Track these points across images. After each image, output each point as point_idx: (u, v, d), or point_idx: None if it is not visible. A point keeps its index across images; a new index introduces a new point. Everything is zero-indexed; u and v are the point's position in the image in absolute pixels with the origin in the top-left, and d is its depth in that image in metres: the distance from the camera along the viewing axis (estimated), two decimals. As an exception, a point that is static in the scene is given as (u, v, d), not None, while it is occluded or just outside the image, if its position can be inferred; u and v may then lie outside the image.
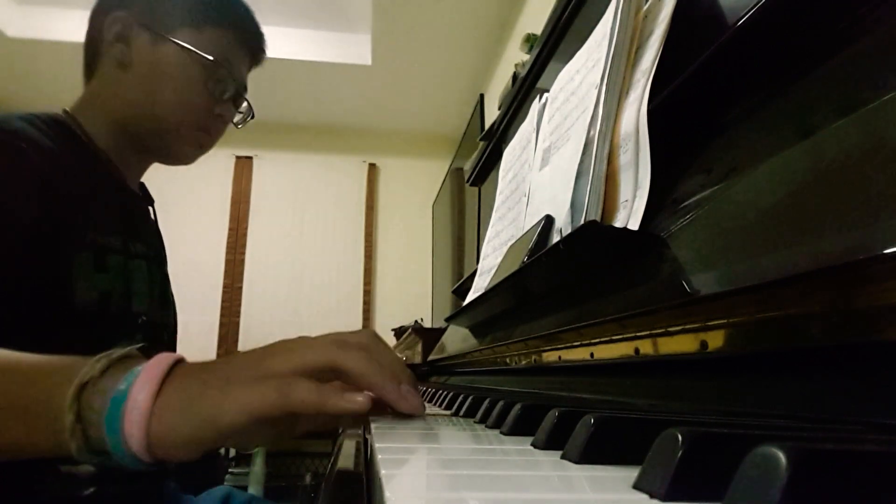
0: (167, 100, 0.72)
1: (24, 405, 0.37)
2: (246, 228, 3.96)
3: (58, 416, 0.35)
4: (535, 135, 0.88)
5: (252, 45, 0.79)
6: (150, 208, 0.83)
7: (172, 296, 0.82)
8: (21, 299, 0.55)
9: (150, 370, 0.36)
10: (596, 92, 0.59)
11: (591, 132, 0.58)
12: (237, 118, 0.81)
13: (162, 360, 0.37)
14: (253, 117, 0.83)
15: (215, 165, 3.89)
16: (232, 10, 0.77)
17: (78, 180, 0.64)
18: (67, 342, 0.43)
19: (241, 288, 3.87)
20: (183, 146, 0.77)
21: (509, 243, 0.85)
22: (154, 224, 0.83)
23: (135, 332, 0.69)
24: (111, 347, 0.40)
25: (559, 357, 0.60)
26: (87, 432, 0.36)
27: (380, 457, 0.31)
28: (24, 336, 0.43)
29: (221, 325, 3.78)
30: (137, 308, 0.69)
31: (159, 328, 0.74)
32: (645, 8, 0.59)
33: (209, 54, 0.72)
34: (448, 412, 0.64)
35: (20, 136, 0.59)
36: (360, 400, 0.38)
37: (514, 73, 1.69)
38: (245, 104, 0.81)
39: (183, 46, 0.71)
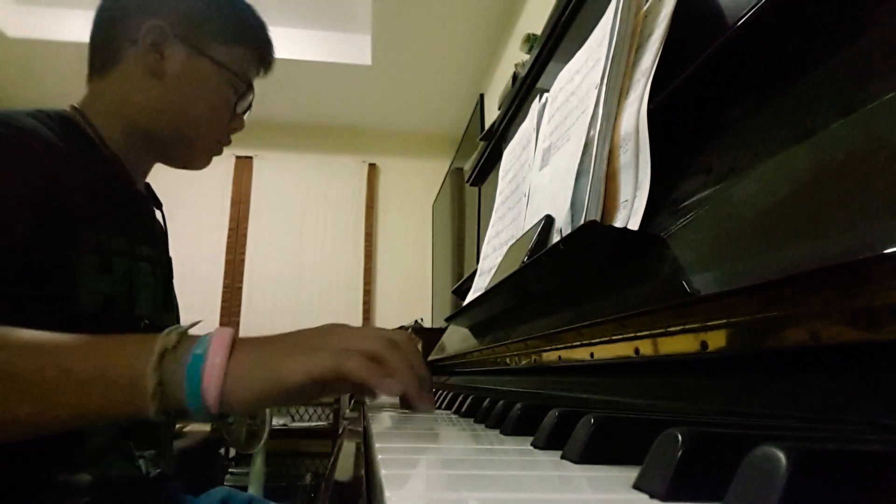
0: (196, 113, 0.74)
1: (105, 376, 0.44)
2: (246, 228, 3.96)
3: (138, 382, 0.43)
4: (535, 135, 0.88)
5: (266, 61, 0.82)
6: (158, 211, 0.82)
7: (176, 299, 0.82)
8: (25, 299, 0.54)
9: (221, 338, 0.44)
10: (596, 92, 0.59)
11: (591, 132, 0.58)
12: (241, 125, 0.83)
13: (227, 331, 0.45)
14: (250, 109, 0.84)
15: (215, 165, 3.81)
16: (256, 29, 0.79)
17: (85, 180, 0.63)
18: None
19: (241, 288, 3.87)
20: (200, 155, 0.79)
21: (509, 243, 0.85)
22: (160, 227, 0.82)
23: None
24: None
25: (559, 357, 0.60)
26: (165, 393, 0.43)
27: (380, 457, 0.31)
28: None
29: (221, 325, 3.77)
30: (140, 311, 0.69)
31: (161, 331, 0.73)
32: (645, 8, 0.59)
33: (239, 72, 0.75)
34: (448, 412, 0.64)
35: (29, 134, 0.58)
36: (396, 389, 0.46)
37: (514, 73, 1.69)
38: (249, 111, 0.83)
39: (219, 64, 0.73)
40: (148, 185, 0.82)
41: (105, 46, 0.72)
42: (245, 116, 0.82)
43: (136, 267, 0.69)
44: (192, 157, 0.79)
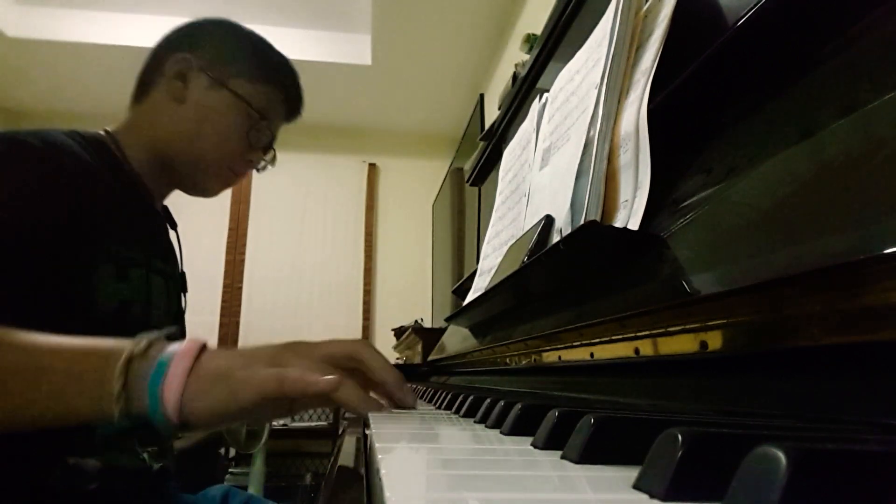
0: (209, 139, 0.79)
1: (77, 377, 0.45)
2: (246, 228, 3.96)
3: (105, 385, 0.44)
4: (535, 135, 0.88)
5: (292, 107, 0.88)
6: (173, 231, 0.87)
7: (184, 315, 0.87)
8: (45, 302, 0.58)
9: (186, 349, 0.46)
10: (596, 92, 0.59)
11: (591, 132, 0.58)
12: (261, 164, 0.88)
13: (194, 343, 0.47)
14: (274, 165, 0.90)
15: (215, 165, 3.87)
16: (283, 72, 0.85)
17: (108, 195, 0.69)
18: None
19: (241, 288, 3.87)
20: (211, 182, 0.84)
21: (509, 243, 0.85)
22: (174, 245, 0.87)
23: None
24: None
25: (559, 357, 0.60)
26: (129, 397, 0.44)
27: (380, 457, 0.31)
28: (34, 328, 0.49)
29: (221, 325, 3.78)
30: (153, 320, 0.73)
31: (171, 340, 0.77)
32: (645, 8, 0.59)
33: (256, 106, 0.80)
34: (448, 412, 0.64)
35: (59, 148, 0.64)
36: (327, 380, 0.47)
37: (514, 73, 1.69)
38: (272, 153, 0.88)
39: (236, 95, 0.79)
40: (165, 207, 0.88)
41: (144, 79, 0.81)
42: (269, 159, 0.87)
43: (152, 278, 0.74)
44: (203, 182, 0.83)
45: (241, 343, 3.79)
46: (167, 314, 0.77)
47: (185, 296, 0.86)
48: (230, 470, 3.07)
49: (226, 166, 0.82)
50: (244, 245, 3.94)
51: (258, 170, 0.88)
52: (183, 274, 0.86)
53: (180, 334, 0.83)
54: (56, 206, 0.60)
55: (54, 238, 0.59)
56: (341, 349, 0.51)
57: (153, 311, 0.73)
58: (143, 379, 0.45)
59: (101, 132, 0.76)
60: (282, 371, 0.46)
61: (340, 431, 0.77)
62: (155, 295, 0.74)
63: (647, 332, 0.42)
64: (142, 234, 0.75)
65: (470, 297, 1.02)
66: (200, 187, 0.84)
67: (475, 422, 0.50)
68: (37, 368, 0.46)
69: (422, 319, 3.20)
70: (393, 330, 3.06)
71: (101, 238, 0.66)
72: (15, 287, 0.55)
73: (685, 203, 0.43)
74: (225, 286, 3.85)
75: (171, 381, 0.44)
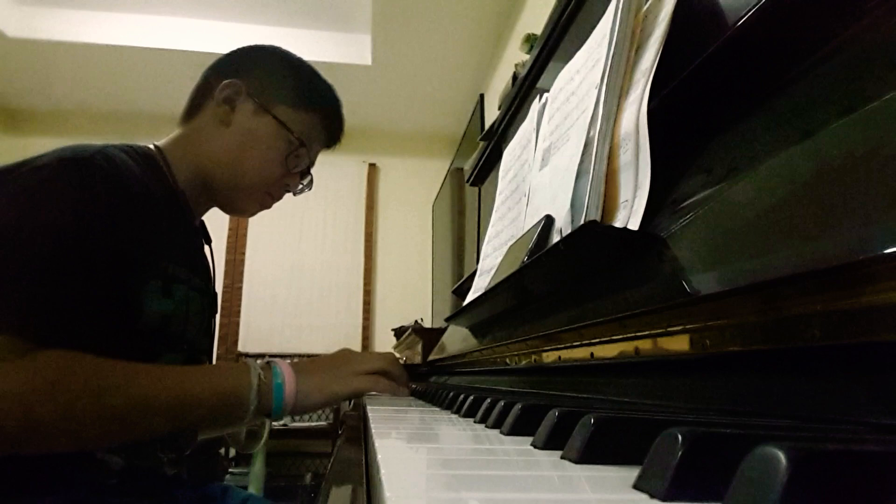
0: (250, 162, 0.82)
1: (221, 400, 0.65)
2: (246, 228, 3.96)
3: (244, 403, 0.66)
4: (535, 135, 0.88)
5: (333, 134, 0.91)
6: (207, 246, 0.90)
7: (215, 328, 0.90)
8: (95, 313, 0.61)
9: (286, 371, 0.69)
10: (596, 92, 0.59)
11: (591, 132, 0.58)
12: (297, 188, 0.91)
13: (286, 365, 0.71)
14: (310, 189, 0.92)
15: (215, 165, 3.87)
16: (327, 101, 0.88)
17: (161, 212, 0.73)
18: (124, 356, 0.60)
19: (241, 288, 3.87)
20: (248, 203, 0.87)
21: (509, 243, 0.85)
22: (208, 261, 0.90)
23: (179, 354, 0.75)
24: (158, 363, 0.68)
25: (559, 357, 0.60)
26: (260, 409, 0.66)
27: (380, 456, 0.31)
28: (92, 344, 0.57)
29: (221, 325, 3.78)
30: (189, 335, 0.77)
31: (200, 353, 0.81)
32: (645, 8, 0.59)
33: (297, 133, 0.83)
34: (448, 412, 0.64)
35: (123, 170, 0.67)
36: (403, 393, 0.80)
37: (514, 73, 1.69)
38: (308, 178, 0.91)
39: (278, 121, 0.82)
40: (202, 222, 0.90)
41: (194, 100, 0.84)
42: (306, 184, 0.90)
43: (191, 294, 0.77)
44: (240, 203, 0.87)
45: (240, 344, 3.79)
46: (199, 329, 0.80)
47: (214, 319, 0.88)
48: (230, 470, 3.07)
49: (263, 189, 0.85)
50: (244, 245, 3.94)
51: (294, 193, 0.91)
52: (215, 295, 0.89)
53: (208, 347, 0.87)
54: (119, 225, 0.64)
55: (115, 254, 0.63)
56: (382, 363, 0.77)
57: (189, 326, 0.76)
58: (269, 396, 0.67)
59: (151, 147, 0.79)
60: (375, 380, 0.74)
61: (340, 431, 0.79)
62: (192, 311, 0.77)
63: (647, 332, 0.42)
64: (185, 250, 0.79)
65: (470, 297, 1.02)
66: (238, 208, 0.88)
67: (475, 422, 0.50)
68: (190, 394, 0.63)
69: (422, 319, 3.20)
70: (393, 330, 3.06)
71: (154, 255, 0.70)
72: (75, 300, 0.59)
73: (685, 203, 0.43)
74: (225, 286, 3.84)
75: (289, 395, 0.67)
